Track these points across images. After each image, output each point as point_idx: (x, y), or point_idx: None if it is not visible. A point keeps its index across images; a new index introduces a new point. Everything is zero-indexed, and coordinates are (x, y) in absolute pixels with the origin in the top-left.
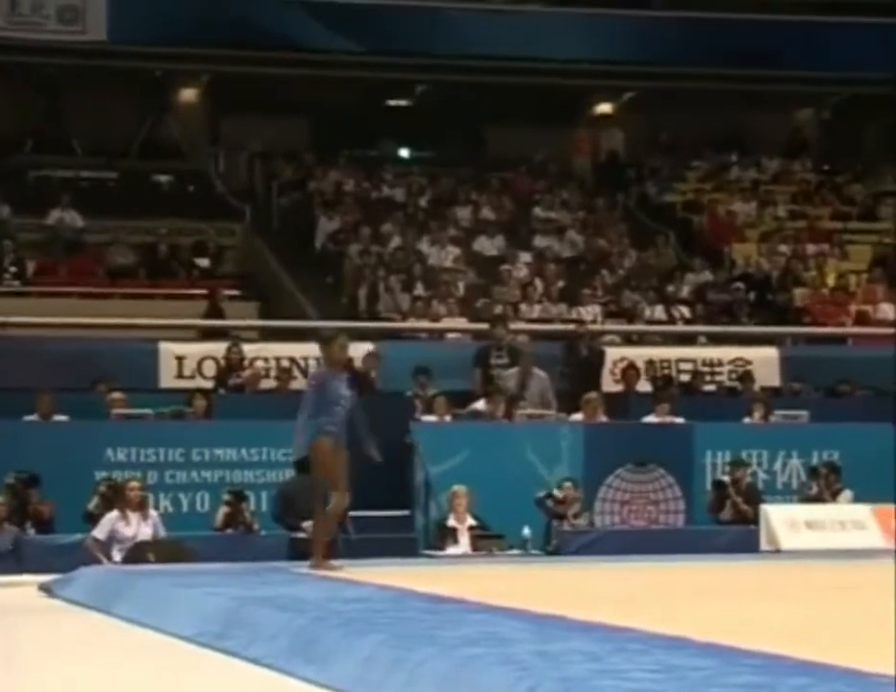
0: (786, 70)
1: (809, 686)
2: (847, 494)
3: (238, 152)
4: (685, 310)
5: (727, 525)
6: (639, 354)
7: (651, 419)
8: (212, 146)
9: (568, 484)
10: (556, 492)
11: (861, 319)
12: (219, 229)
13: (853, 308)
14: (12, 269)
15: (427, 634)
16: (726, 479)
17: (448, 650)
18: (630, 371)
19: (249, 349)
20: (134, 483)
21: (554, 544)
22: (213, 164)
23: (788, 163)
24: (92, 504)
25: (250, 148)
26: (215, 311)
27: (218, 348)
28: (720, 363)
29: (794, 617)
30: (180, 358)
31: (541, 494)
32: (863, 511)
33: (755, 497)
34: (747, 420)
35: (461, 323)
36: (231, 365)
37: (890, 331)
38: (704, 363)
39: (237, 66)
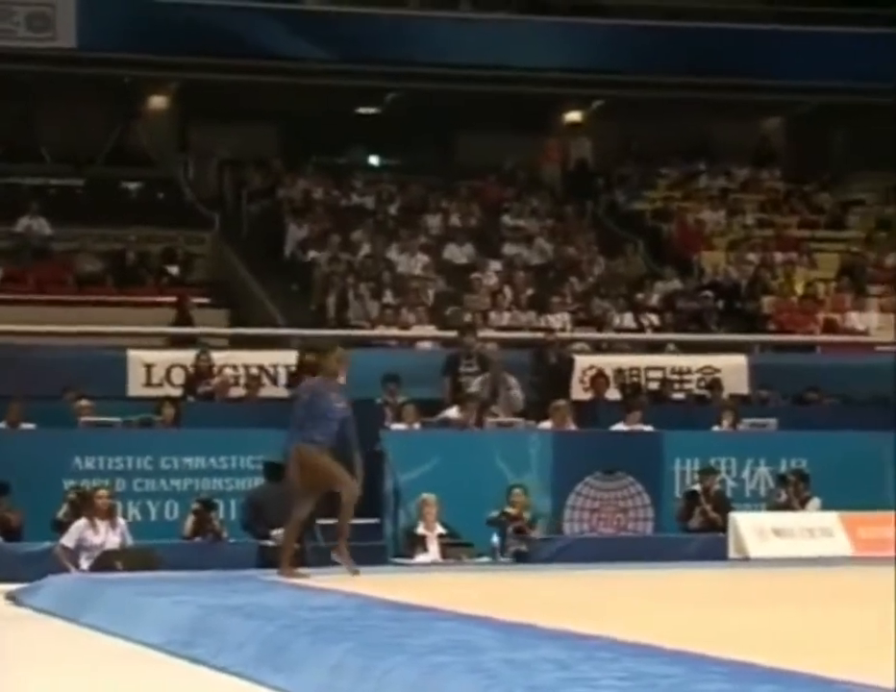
0: (754, 79)
1: None
2: (815, 502)
3: (207, 159)
4: (654, 318)
5: (695, 533)
6: (608, 362)
7: (620, 427)
8: (181, 153)
9: (518, 491)
10: (508, 509)
11: (830, 327)
12: (188, 236)
13: (821, 316)
14: None
15: (395, 642)
16: (697, 487)
17: (416, 658)
18: (599, 379)
19: (218, 356)
20: (102, 492)
21: (510, 553)
22: (182, 172)
23: (757, 172)
24: (61, 512)
25: (219, 155)
26: (184, 319)
27: (187, 356)
28: (689, 371)
29: (762, 625)
30: (148, 366)
31: (494, 514)
32: (831, 519)
33: (723, 505)
34: (716, 428)
35: (431, 331)
36: (200, 373)
37: (858, 339)
38: (673, 371)
39: (207, 74)
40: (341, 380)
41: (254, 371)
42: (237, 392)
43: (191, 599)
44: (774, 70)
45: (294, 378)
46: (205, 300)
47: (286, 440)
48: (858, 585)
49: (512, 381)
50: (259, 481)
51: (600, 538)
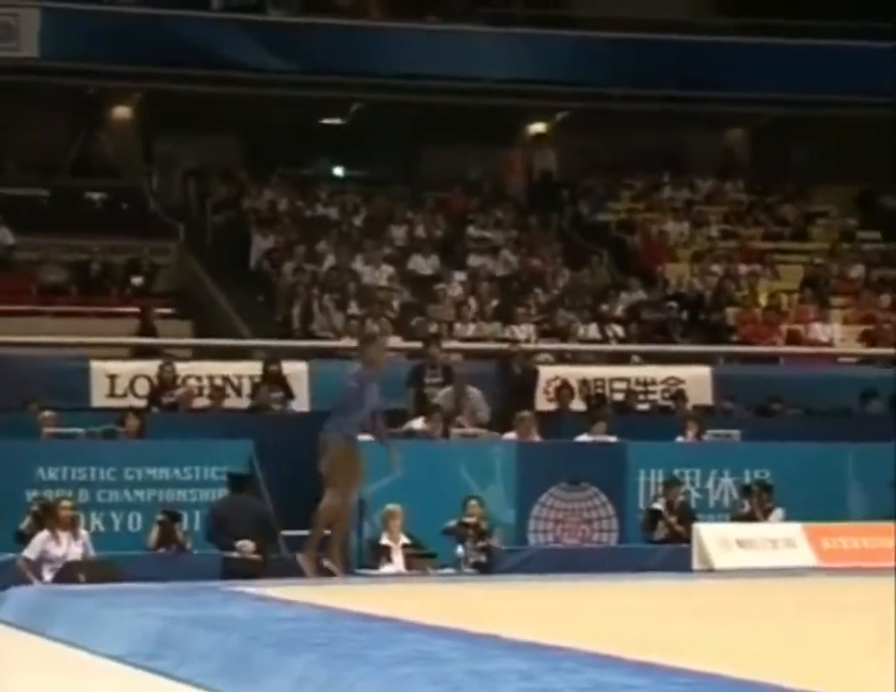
0: (717, 91)
1: None
2: (778, 513)
3: (172, 170)
4: (619, 330)
5: (660, 544)
6: (573, 373)
7: (584, 438)
8: (146, 164)
9: (474, 503)
10: (466, 519)
11: (793, 339)
12: (153, 247)
13: (784, 327)
14: None
15: (360, 654)
16: (660, 504)
17: (381, 669)
18: (563, 390)
19: (182, 367)
20: (66, 503)
21: (470, 564)
22: (147, 182)
23: (720, 184)
24: (24, 524)
25: (184, 166)
26: (148, 330)
27: (151, 366)
28: (653, 382)
29: (726, 636)
30: (112, 377)
31: (451, 524)
32: (795, 530)
33: (688, 516)
34: (680, 439)
35: (396, 342)
36: (164, 384)
37: (821, 350)
38: (637, 382)
39: (171, 84)
40: (380, 370)
41: (218, 382)
42: (202, 403)
43: (155, 610)
44: (737, 82)
45: (258, 388)
46: (169, 310)
47: (333, 425)
48: (822, 596)
49: (475, 393)
50: (223, 493)
51: (564, 549)
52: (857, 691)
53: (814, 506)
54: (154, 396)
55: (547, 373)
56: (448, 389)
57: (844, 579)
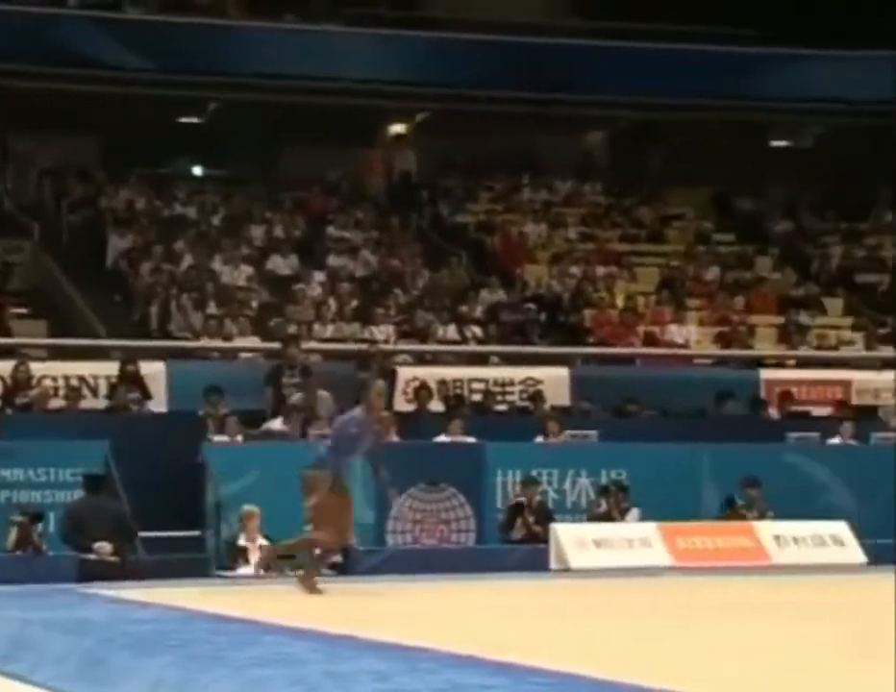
0: (576, 94)
1: None
2: (634, 512)
3: (28, 168)
4: (478, 331)
5: (518, 544)
6: (432, 373)
7: (443, 439)
8: (1, 162)
9: None
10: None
11: (649, 340)
12: (7, 245)
13: (641, 329)
14: None
15: (216, 656)
16: (522, 499)
17: (238, 671)
18: (422, 391)
19: (37, 367)
20: None
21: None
22: (2, 181)
23: (579, 186)
24: None
25: (39, 165)
26: (2, 329)
27: (5, 366)
28: (512, 383)
29: (583, 636)
30: None
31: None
32: (650, 530)
33: (545, 516)
34: (539, 439)
35: (254, 342)
36: (18, 384)
37: (677, 352)
38: (496, 383)
39: (25, 81)
40: (379, 414)
41: (74, 382)
42: (57, 404)
43: (8, 613)
44: (595, 85)
45: (114, 389)
46: (23, 310)
47: (326, 461)
48: (677, 596)
49: (324, 395)
50: (78, 494)
51: (423, 550)
52: (713, 690)
53: (670, 506)
54: (8, 396)
55: (406, 374)
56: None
57: (699, 578)
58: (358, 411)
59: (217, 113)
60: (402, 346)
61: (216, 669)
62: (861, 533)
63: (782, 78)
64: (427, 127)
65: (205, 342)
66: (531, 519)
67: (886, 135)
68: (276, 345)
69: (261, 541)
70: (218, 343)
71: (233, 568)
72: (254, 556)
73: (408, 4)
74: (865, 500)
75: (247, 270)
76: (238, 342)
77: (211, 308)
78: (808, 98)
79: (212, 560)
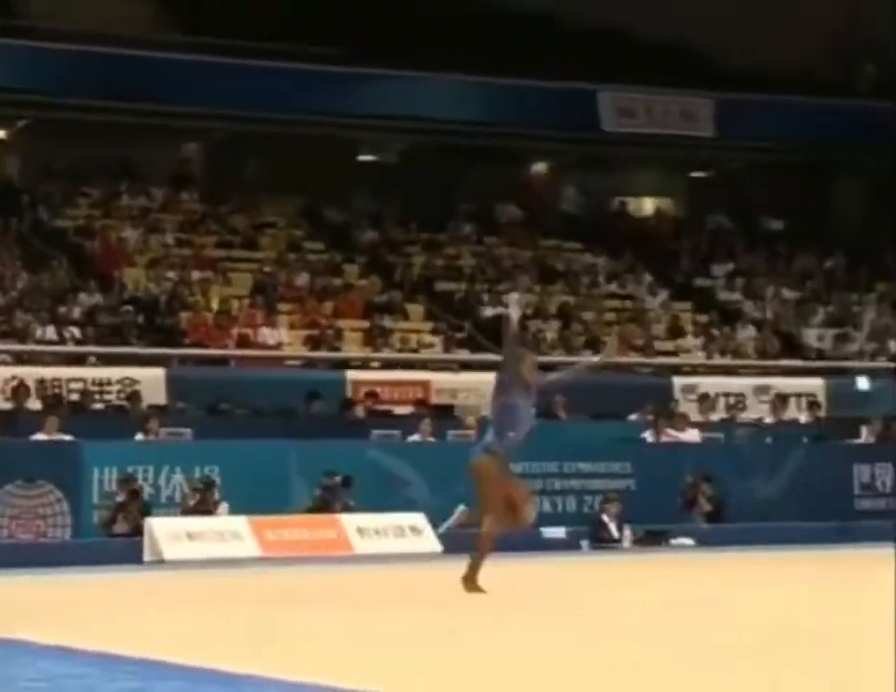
0: (173, 105)
1: (183, 690)
2: (225, 506)
3: None
4: (77, 332)
5: (117, 537)
6: (30, 373)
7: (40, 437)
8: None
9: None
10: None
11: (243, 342)
12: None
13: (235, 331)
14: None
15: None
16: (121, 499)
17: None
18: (20, 389)
19: None
20: None
21: None
22: None
23: (175, 193)
24: None
25: None
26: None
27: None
28: (109, 383)
29: (173, 625)
30: None
31: None
32: (240, 523)
33: (142, 511)
34: (140, 437)
35: None
36: None
37: (269, 353)
38: (94, 383)
39: None
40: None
41: None
42: None
43: None
44: (193, 98)
45: None
46: None
47: (482, 447)
48: (264, 585)
49: None
50: None
51: (18, 544)
52: (301, 672)
53: (260, 499)
54: None
55: (4, 373)
56: None
57: (286, 568)
58: (511, 386)
59: None
60: (0, 346)
61: None
62: (435, 524)
63: (367, 95)
64: (28, 133)
65: None
66: (135, 513)
67: (464, 153)
68: None
69: None
70: None
71: None
72: None
73: (11, 12)
74: (440, 493)
75: None
76: None
77: None
78: (390, 115)
79: None
